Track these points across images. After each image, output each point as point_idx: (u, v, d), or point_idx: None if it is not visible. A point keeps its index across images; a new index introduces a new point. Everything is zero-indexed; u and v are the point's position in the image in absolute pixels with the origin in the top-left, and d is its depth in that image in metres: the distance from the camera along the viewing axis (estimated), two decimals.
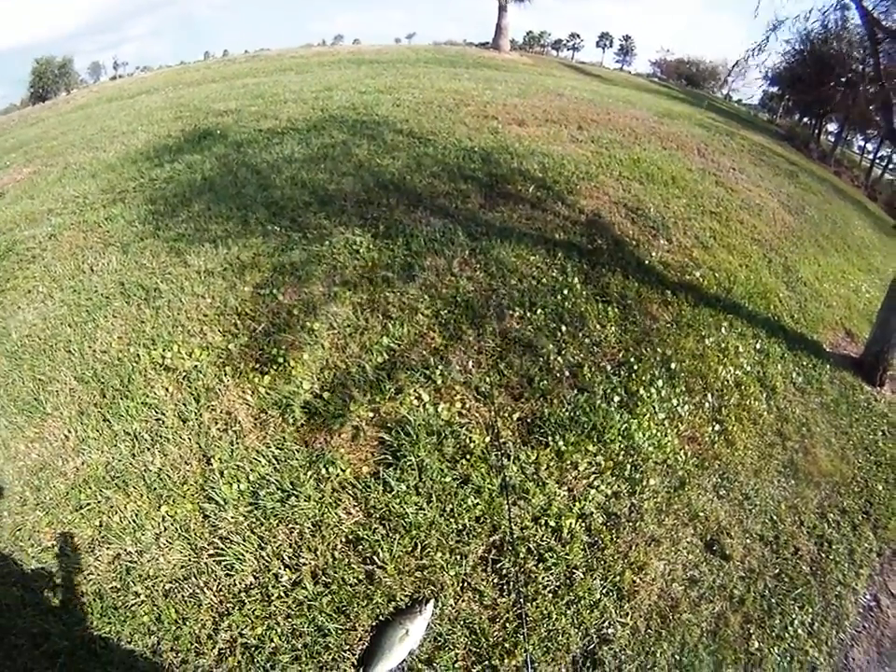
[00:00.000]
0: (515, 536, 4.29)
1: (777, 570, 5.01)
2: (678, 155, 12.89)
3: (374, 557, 4.08)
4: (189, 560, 3.93)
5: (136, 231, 7.74)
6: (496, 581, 4.14)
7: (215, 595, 3.78)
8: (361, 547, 4.14)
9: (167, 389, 5.23)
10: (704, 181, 11.66)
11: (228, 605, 3.74)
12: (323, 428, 4.80)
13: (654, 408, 5.63)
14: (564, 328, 5.97)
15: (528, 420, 5.09)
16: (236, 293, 6.19)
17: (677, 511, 5.04)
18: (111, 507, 4.21)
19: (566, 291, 6.43)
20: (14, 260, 7.50)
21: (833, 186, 22.89)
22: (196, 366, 5.40)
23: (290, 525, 4.23)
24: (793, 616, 4.65)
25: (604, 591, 4.26)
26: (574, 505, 4.65)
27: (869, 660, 4.76)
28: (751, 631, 4.45)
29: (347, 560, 4.08)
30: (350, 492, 4.43)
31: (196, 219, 7.75)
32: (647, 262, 7.68)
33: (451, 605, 3.97)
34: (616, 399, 5.48)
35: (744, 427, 6.10)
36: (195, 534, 4.06)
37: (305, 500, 4.34)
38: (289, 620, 3.71)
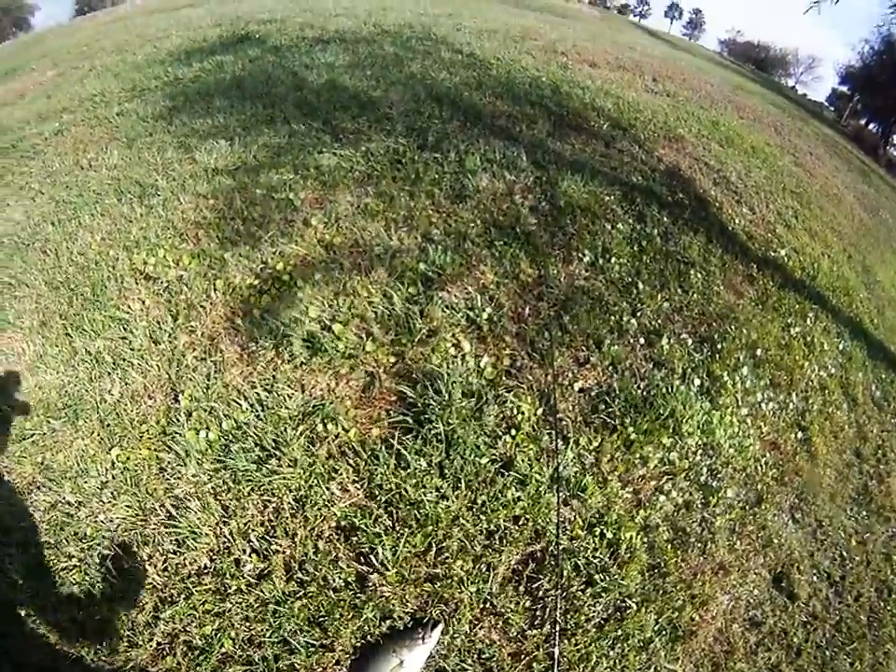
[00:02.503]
0: (562, 547, 3.04)
1: (838, 618, 4.02)
2: (755, 127, 11.28)
3: (372, 556, 2.85)
4: (135, 523, 2.96)
5: (146, 127, 6.61)
6: (528, 604, 2.92)
7: (159, 575, 2.81)
8: (356, 539, 2.91)
9: (143, 302, 4.11)
10: (783, 158, 10.13)
11: (173, 590, 2.78)
12: (327, 370, 3.52)
13: (737, 400, 4.36)
14: (641, 285, 4.62)
15: (593, 393, 3.76)
16: (245, 195, 4.91)
17: (750, 534, 3.86)
18: (56, 441, 3.33)
19: (644, 243, 5.06)
20: (15, 157, 6.68)
21: None
22: (181, 276, 4.23)
23: (265, 497, 3.05)
24: None
25: (657, 629, 3.12)
26: (638, 513, 3.41)
27: None
28: None
29: (335, 554, 2.88)
30: (351, 461, 3.16)
31: (214, 115, 6.51)
32: (730, 229, 6.30)
33: (465, 631, 2.79)
34: (696, 381, 4.18)
35: (826, 440, 4.89)
36: (146, 490, 3.07)
37: (290, 465, 3.12)
38: (248, 623, 2.69)
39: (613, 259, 4.68)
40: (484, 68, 8.24)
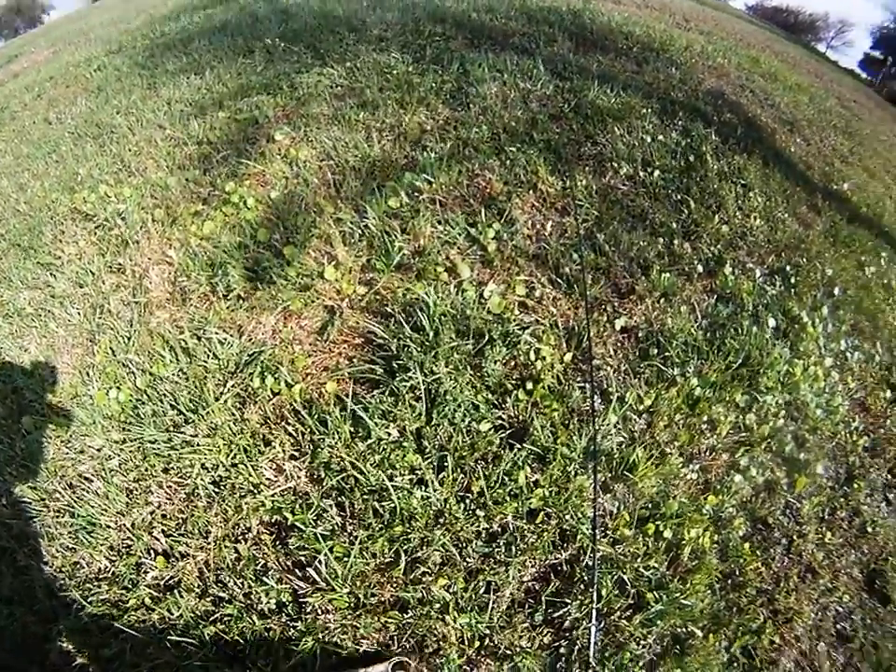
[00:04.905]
0: (600, 554, 1.96)
1: None
2: (796, 70, 9.92)
3: (314, 568, 1.83)
4: (38, 509, 2.23)
5: (119, 76, 5.87)
6: (547, 640, 1.87)
7: (55, 574, 2.06)
8: (292, 542, 1.90)
9: (77, 244, 3.37)
10: (828, 100, 8.81)
11: (70, 597, 1.99)
12: (273, 307, 2.50)
13: (820, 347, 3.23)
14: (692, 204, 3.45)
15: (640, 333, 2.63)
16: (206, 120, 4.01)
17: (842, 523, 2.78)
18: None
19: (692, 159, 3.88)
20: None
21: None
22: (119, 210, 3.37)
23: (177, 478, 2.12)
24: None
25: (727, 661, 2.11)
26: (706, 500, 2.32)
27: None
28: None
29: (263, 562, 1.91)
30: (290, 429, 2.14)
31: (190, 55, 5.64)
32: (786, 156, 5.03)
33: None
34: (771, 321, 3.06)
35: None
36: (51, 467, 2.33)
37: (208, 434, 2.16)
38: (148, 651, 1.85)
39: (657, 173, 3.52)
40: None
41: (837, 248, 4.23)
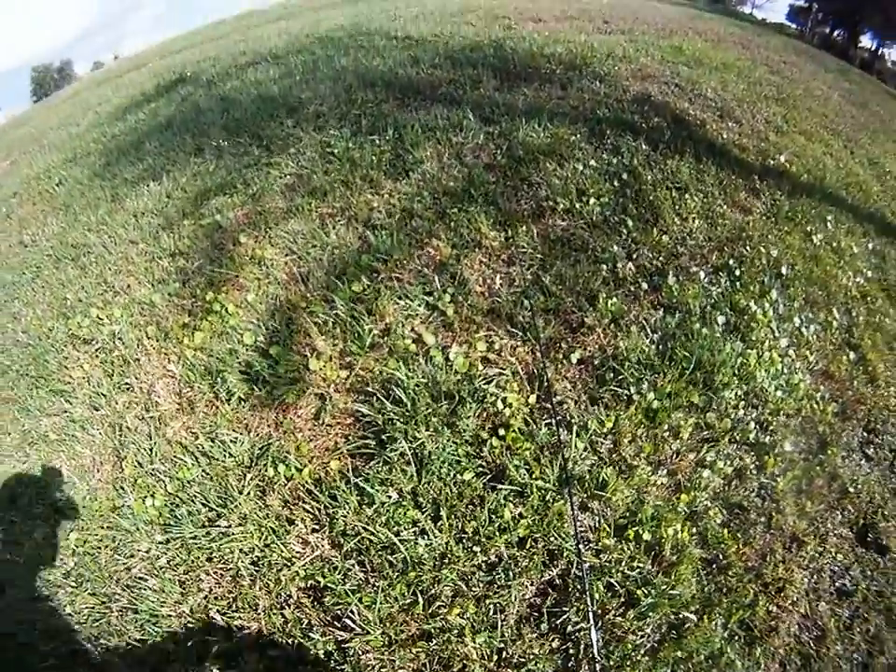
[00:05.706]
0: (587, 565, 2.35)
1: None
2: (721, 46, 10.39)
3: (348, 618, 2.25)
4: (101, 611, 2.55)
5: (82, 189, 6.31)
6: (555, 645, 2.25)
7: (129, 668, 2.38)
8: (327, 600, 2.32)
9: (83, 368, 3.69)
10: (757, 70, 9.29)
11: None
12: (271, 404, 2.93)
13: (773, 331, 3.58)
14: (630, 222, 3.89)
15: (595, 362, 3.05)
16: (173, 231, 4.43)
17: (821, 489, 3.09)
18: (15, 534, 2.96)
19: (625, 176, 4.32)
20: None
21: (884, 89, 19.75)
22: (115, 332, 3.75)
23: (220, 564, 2.52)
24: None
25: (727, 636, 2.42)
26: (679, 499, 2.67)
27: None
28: None
29: (306, 621, 2.32)
30: (308, 507, 2.56)
31: (144, 160, 6.12)
32: (719, 145, 5.50)
33: None
34: (720, 319, 3.43)
35: (882, 355, 4.05)
36: (106, 574, 2.66)
37: (240, 523, 2.57)
38: None
39: (592, 201, 3.95)
40: (421, 46, 7.59)
41: (780, 226, 4.61)
